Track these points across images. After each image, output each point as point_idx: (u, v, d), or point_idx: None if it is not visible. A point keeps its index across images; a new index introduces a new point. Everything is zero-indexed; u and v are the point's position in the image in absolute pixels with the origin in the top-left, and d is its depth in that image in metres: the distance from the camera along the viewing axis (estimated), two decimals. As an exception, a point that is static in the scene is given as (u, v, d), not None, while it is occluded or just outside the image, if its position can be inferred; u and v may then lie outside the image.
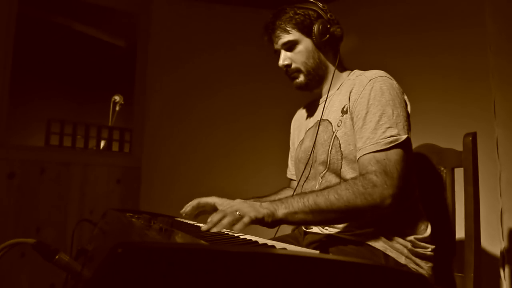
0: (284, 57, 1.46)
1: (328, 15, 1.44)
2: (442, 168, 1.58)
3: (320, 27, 1.41)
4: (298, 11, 1.43)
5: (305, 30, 1.43)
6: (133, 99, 3.12)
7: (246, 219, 1.09)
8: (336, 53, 1.48)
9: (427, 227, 1.36)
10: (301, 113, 1.69)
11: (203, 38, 3.02)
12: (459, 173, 1.50)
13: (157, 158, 2.87)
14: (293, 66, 1.45)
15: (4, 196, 2.51)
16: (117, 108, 4.43)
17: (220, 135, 2.94)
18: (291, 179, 1.72)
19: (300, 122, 1.67)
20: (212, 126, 2.94)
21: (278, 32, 1.45)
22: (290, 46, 1.45)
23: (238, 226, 1.07)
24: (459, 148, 1.50)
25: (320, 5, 1.45)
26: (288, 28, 1.43)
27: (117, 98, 4.52)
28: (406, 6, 2.51)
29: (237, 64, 3.01)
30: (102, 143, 3.60)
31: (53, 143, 3.11)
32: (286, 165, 1.78)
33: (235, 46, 3.03)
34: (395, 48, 2.50)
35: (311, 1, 1.47)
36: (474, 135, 1.48)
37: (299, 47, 1.44)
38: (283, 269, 0.48)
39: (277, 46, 1.48)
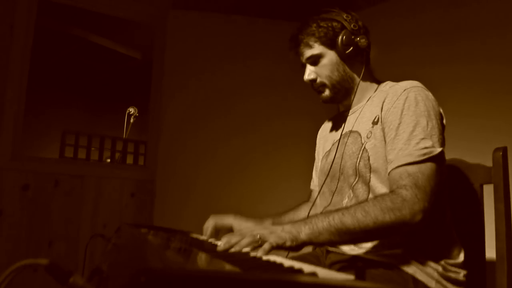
0: (309, 72, 1.42)
1: (352, 25, 1.38)
2: (471, 185, 1.51)
3: (344, 38, 1.36)
4: (321, 24, 1.39)
5: (329, 43, 1.38)
6: (148, 111, 3.10)
7: (267, 246, 1.02)
8: (364, 64, 1.42)
9: (460, 252, 1.29)
10: (329, 124, 1.64)
11: (219, 49, 2.99)
12: (488, 190, 1.43)
13: (172, 171, 2.83)
14: (318, 80, 1.42)
15: (17, 208, 2.49)
16: (132, 120, 4.43)
17: (236, 149, 2.89)
18: (312, 191, 1.66)
19: (327, 133, 1.61)
20: (228, 140, 2.90)
21: (302, 46, 1.42)
22: (314, 60, 1.41)
23: (259, 254, 1.00)
24: (488, 163, 1.43)
25: (345, 15, 1.40)
26: (310, 43, 1.40)
27: (131, 110, 4.52)
28: (430, 17, 2.46)
29: (254, 76, 2.97)
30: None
31: (67, 154, 3.11)
32: (304, 180, 1.72)
33: (253, 58, 3.00)
34: (420, 60, 2.45)
35: (334, 11, 1.42)
36: (504, 150, 1.41)
37: (323, 61, 1.40)
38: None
39: (302, 61, 1.45)
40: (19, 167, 2.52)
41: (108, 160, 3.66)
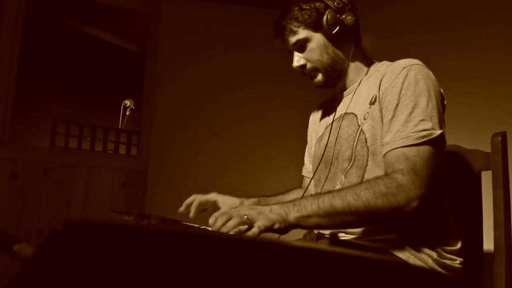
0: (297, 59, 1.36)
1: (336, 3, 1.30)
2: (468, 171, 1.45)
3: (328, 18, 1.29)
4: (303, 6, 1.32)
5: (314, 25, 1.31)
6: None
7: (256, 230, 0.98)
8: (355, 42, 1.36)
9: (456, 240, 1.24)
10: (321, 107, 1.57)
11: (213, 39, 2.94)
12: (486, 176, 1.38)
13: (165, 162, 2.78)
14: (308, 66, 1.35)
15: (6, 197, 2.44)
16: (128, 113, 4.38)
17: (229, 139, 2.84)
18: (304, 177, 1.60)
19: (319, 116, 1.55)
20: (222, 131, 2.85)
21: (286, 33, 1.35)
22: (301, 45, 1.34)
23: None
24: (486, 150, 1.38)
25: None
26: (294, 28, 1.33)
27: (127, 102, 4.48)
28: (430, 3, 2.39)
29: (248, 66, 2.92)
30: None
31: (58, 144, 3.05)
32: (298, 170, 1.67)
33: (247, 48, 2.94)
34: (418, 47, 2.37)
35: None
36: (503, 135, 1.36)
37: (311, 45, 1.33)
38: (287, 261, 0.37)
39: (289, 48, 1.38)
40: (8, 156, 2.47)
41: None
